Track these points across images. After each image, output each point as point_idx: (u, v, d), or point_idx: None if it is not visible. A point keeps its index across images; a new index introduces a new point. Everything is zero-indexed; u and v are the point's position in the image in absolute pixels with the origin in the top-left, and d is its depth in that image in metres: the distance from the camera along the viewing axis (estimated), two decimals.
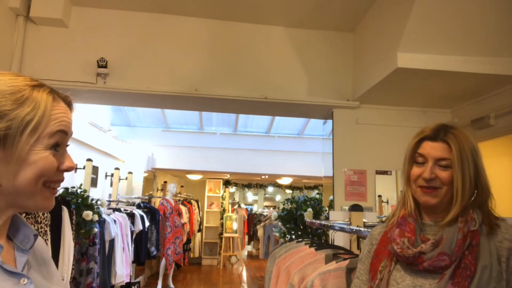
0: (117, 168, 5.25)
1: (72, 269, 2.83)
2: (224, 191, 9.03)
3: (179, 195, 7.49)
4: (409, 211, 1.06)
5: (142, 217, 4.67)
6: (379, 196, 3.33)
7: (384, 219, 2.61)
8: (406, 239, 1.00)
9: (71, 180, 4.11)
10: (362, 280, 1.13)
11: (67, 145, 0.69)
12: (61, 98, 0.68)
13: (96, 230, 3.23)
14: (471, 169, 0.99)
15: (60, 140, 0.65)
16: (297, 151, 6.95)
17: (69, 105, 0.69)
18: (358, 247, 2.31)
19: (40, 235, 2.18)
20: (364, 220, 2.26)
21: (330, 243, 2.22)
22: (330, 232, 2.52)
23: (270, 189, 10.81)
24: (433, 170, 1.00)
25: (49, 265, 0.74)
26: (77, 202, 3.06)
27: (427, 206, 1.04)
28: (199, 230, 8.40)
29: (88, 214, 3.07)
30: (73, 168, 0.68)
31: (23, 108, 0.60)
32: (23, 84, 0.62)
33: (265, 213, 11.22)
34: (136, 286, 5.18)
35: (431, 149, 1.02)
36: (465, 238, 0.95)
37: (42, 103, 0.62)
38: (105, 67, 3.08)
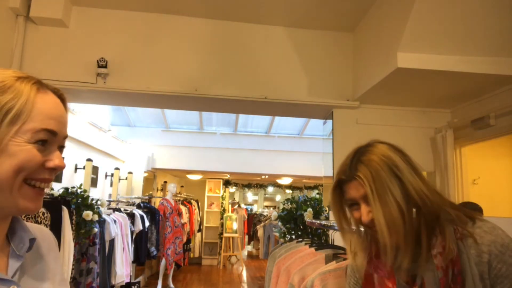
0: (117, 168, 5.26)
1: (72, 269, 2.83)
2: (224, 191, 9.03)
3: (179, 195, 7.49)
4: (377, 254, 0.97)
5: (142, 217, 4.67)
6: None
7: None
8: None
9: (71, 180, 4.12)
10: None
11: (63, 147, 0.65)
12: (51, 90, 0.65)
13: (96, 230, 3.23)
14: (395, 192, 0.86)
15: (47, 138, 0.61)
16: (297, 151, 6.95)
17: (61, 99, 0.66)
18: None
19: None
20: None
21: (330, 243, 2.22)
22: (330, 232, 2.52)
23: (270, 189, 10.81)
24: (368, 211, 0.90)
25: (48, 264, 0.72)
26: (77, 202, 3.06)
27: None
28: (199, 230, 8.40)
29: (88, 214, 3.07)
30: (62, 167, 0.63)
31: (4, 96, 0.58)
32: (8, 75, 0.61)
33: (265, 213, 11.21)
34: (136, 286, 5.18)
35: (353, 190, 0.92)
36: (447, 272, 0.84)
37: (24, 93, 0.60)
38: (105, 67, 3.08)
